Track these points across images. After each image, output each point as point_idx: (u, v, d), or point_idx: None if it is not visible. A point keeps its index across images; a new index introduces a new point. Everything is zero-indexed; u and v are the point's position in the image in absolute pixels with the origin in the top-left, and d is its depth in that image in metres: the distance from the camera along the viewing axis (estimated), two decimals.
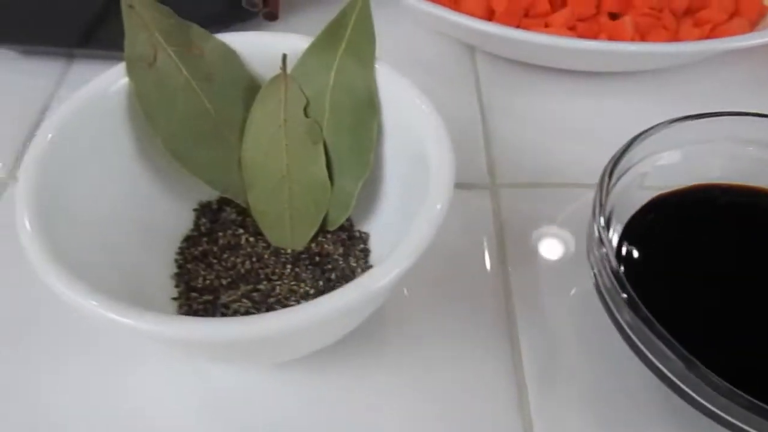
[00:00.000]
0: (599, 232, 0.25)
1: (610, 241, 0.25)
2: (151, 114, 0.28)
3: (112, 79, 0.27)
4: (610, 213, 0.27)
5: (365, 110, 0.28)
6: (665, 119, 0.29)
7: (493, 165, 0.37)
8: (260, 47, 0.30)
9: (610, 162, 0.27)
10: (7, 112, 0.40)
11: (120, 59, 0.43)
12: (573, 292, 0.31)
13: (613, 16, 0.41)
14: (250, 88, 0.30)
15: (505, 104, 0.41)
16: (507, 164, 0.37)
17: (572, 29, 0.40)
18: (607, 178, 0.26)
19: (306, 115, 0.29)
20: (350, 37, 0.28)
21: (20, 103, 0.40)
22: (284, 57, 0.29)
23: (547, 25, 0.40)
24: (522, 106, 0.41)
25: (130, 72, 0.27)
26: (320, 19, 0.28)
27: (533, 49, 0.38)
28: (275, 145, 0.29)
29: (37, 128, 0.38)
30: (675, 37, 0.40)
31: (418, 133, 0.26)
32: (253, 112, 0.29)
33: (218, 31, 0.29)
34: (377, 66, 0.28)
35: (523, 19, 0.40)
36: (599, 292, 0.25)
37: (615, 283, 0.23)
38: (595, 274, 0.26)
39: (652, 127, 0.28)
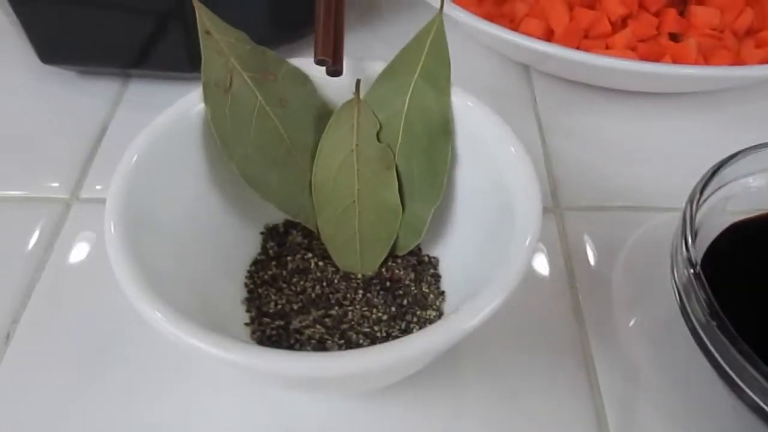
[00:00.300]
0: (689, 256, 0.24)
1: (698, 265, 0.24)
2: (225, 139, 0.28)
3: (190, 104, 0.27)
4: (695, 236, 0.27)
5: (439, 135, 0.28)
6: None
7: (556, 187, 0.37)
8: None
9: (698, 185, 0.26)
10: (66, 132, 0.40)
11: (174, 79, 0.44)
12: (648, 316, 0.31)
13: (673, 36, 0.41)
14: (322, 113, 0.30)
15: (564, 124, 0.40)
16: (570, 186, 0.37)
17: (633, 50, 0.39)
18: (695, 202, 0.26)
19: (378, 140, 0.29)
20: (425, 62, 0.28)
21: (79, 123, 0.41)
22: (358, 82, 0.29)
23: (607, 47, 0.40)
24: (581, 126, 0.40)
25: (207, 97, 0.27)
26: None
27: (597, 71, 0.37)
28: (347, 170, 0.29)
29: (98, 149, 0.39)
30: (737, 58, 0.39)
31: (497, 159, 0.26)
32: (326, 136, 0.29)
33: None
34: (452, 91, 0.28)
35: (583, 40, 0.40)
36: (686, 317, 0.25)
37: (707, 309, 0.23)
38: (681, 298, 0.25)
39: (739, 152, 0.27)
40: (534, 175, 0.24)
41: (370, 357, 0.19)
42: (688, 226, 0.25)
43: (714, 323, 0.23)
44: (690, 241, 0.25)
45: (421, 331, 0.21)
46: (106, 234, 0.23)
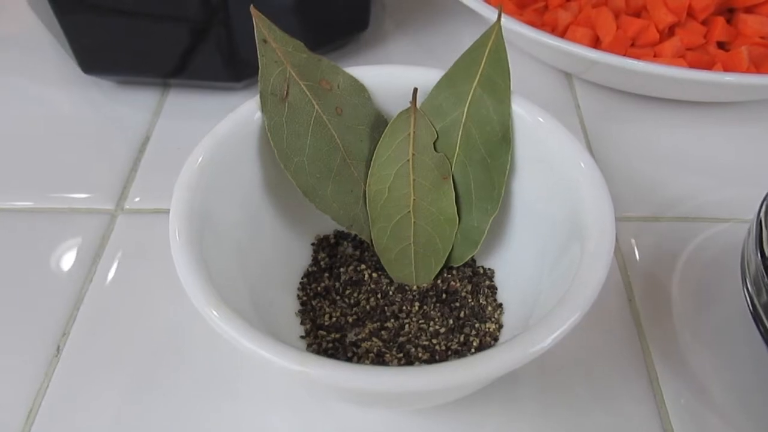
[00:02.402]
0: (765, 264, 0.24)
1: None
2: (281, 148, 0.27)
3: (250, 112, 0.27)
4: None
5: (498, 145, 0.28)
6: None
7: None
8: (389, 81, 0.29)
9: None
10: (108, 143, 0.40)
11: (213, 88, 0.43)
12: (710, 328, 0.30)
13: (720, 45, 0.40)
14: (378, 122, 0.29)
15: (609, 133, 0.40)
16: (620, 197, 0.36)
17: (681, 58, 0.39)
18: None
19: (435, 149, 0.28)
20: (484, 71, 0.28)
21: (120, 133, 0.40)
22: (415, 90, 0.28)
23: (655, 55, 0.39)
24: (627, 136, 0.40)
25: (264, 106, 0.27)
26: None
27: (649, 79, 0.37)
28: (402, 180, 0.29)
29: (141, 159, 0.38)
30: None
31: (564, 171, 0.26)
32: (381, 145, 0.29)
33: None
34: (513, 99, 0.27)
35: (630, 48, 0.40)
36: (759, 323, 0.24)
37: None
38: (754, 304, 0.25)
39: None
40: (605, 189, 0.24)
41: (455, 372, 0.19)
42: (763, 226, 0.24)
43: None
44: (765, 240, 0.24)
45: (496, 347, 0.20)
46: (171, 240, 0.22)
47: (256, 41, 0.27)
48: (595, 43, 0.40)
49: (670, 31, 0.40)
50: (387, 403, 0.24)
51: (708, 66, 0.38)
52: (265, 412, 0.27)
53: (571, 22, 0.41)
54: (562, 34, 0.41)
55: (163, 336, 0.30)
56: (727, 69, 0.38)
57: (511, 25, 0.38)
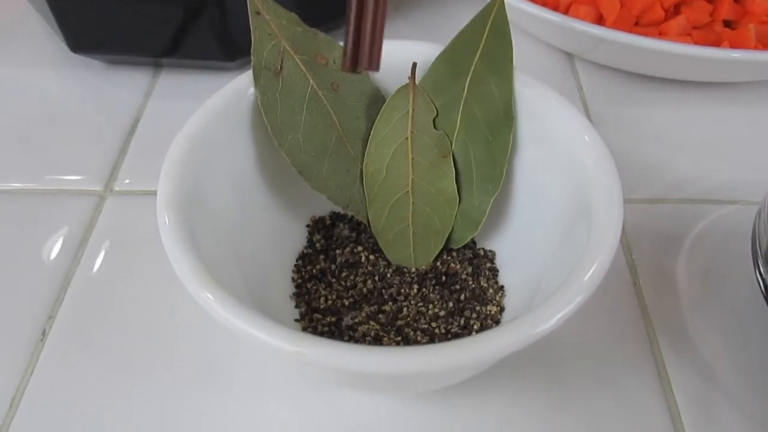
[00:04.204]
0: None
1: None
2: (275, 124, 0.26)
3: (243, 87, 0.26)
4: None
5: (501, 122, 0.27)
6: None
7: None
8: (387, 55, 0.28)
9: None
10: (97, 124, 0.39)
11: (206, 68, 0.42)
12: (718, 311, 0.29)
13: (726, 24, 0.39)
14: (375, 99, 0.28)
15: (612, 115, 0.39)
16: (624, 179, 0.35)
17: (687, 37, 0.38)
18: None
19: (435, 127, 0.27)
20: (485, 45, 0.27)
21: (111, 114, 0.39)
22: (414, 66, 0.27)
23: (660, 34, 0.38)
24: (630, 116, 0.39)
25: (257, 81, 0.26)
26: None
27: (656, 57, 0.36)
28: (400, 159, 0.28)
29: (131, 140, 0.37)
30: None
31: (569, 149, 0.25)
32: (378, 123, 0.28)
33: None
34: (516, 75, 0.26)
35: (634, 27, 0.39)
36: None
37: None
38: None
39: None
40: (613, 167, 0.23)
41: (456, 352, 0.18)
42: None
43: None
44: None
45: (499, 327, 0.19)
46: (159, 223, 0.21)
47: (249, 13, 0.26)
48: (599, 22, 0.39)
49: (676, 10, 0.39)
50: (386, 385, 0.23)
51: (715, 44, 0.37)
52: (259, 402, 0.26)
53: (574, 0, 0.40)
54: (565, 13, 0.40)
55: (152, 319, 0.29)
56: (734, 47, 0.37)
57: (513, 2, 0.37)
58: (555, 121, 0.25)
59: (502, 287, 0.28)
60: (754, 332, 0.28)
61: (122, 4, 0.38)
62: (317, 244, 0.30)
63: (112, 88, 0.41)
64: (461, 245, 0.29)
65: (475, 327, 0.26)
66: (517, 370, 0.28)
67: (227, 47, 0.40)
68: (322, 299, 0.28)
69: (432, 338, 0.26)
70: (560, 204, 0.25)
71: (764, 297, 0.24)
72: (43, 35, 0.45)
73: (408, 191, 0.28)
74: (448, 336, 0.26)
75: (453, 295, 0.28)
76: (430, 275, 0.28)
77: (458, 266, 0.29)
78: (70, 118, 0.39)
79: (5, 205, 0.34)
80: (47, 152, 0.37)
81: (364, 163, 0.28)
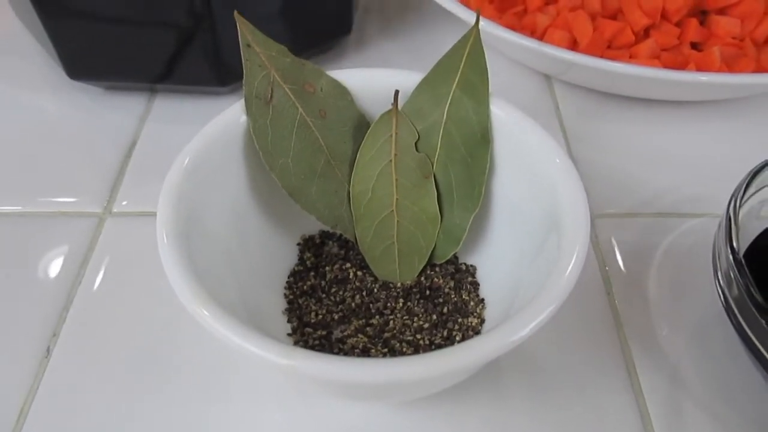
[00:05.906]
0: (734, 258, 0.25)
1: (744, 265, 0.25)
2: (267, 150, 0.28)
3: (235, 115, 0.27)
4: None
5: (478, 144, 0.29)
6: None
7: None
8: (371, 83, 0.30)
9: (737, 190, 0.27)
10: (95, 148, 0.40)
11: (200, 93, 0.44)
12: (686, 319, 0.31)
13: (694, 46, 0.42)
14: (360, 124, 0.30)
15: (588, 133, 0.41)
16: (598, 194, 0.37)
17: (657, 59, 0.40)
18: (738, 199, 0.26)
19: (417, 149, 0.29)
20: (463, 73, 0.28)
21: (107, 138, 0.41)
22: (396, 92, 0.29)
23: (631, 56, 0.40)
24: (605, 134, 0.41)
25: (248, 109, 0.28)
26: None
27: (626, 80, 0.38)
28: (385, 180, 0.30)
29: (128, 163, 0.39)
30: (759, 65, 0.40)
31: (541, 169, 0.26)
32: (364, 147, 0.30)
33: None
34: (492, 101, 0.28)
35: (606, 50, 0.41)
36: (731, 315, 0.25)
37: (755, 310, 0.23)
38: (725, 296, 0.26)
39: None
40: (580, 185, 0.25)
41: (439, 361, 0.19)
42: (733, 221, 0.25)
43: (764, 320, 0.23)
44: (734, 235, 0.25)
45: (478, 337, 0.21)
46: (159, 243, 0.23)
47: (240, 46, 0.28)
48: (573, 46, 0.41)
49: (645, 33, 0.41)
50: (374, 394, 0.24)
51: (682, 66, 0.39)
52: (255, 412, 0.28)
53: (549, 25, 0.42)
54: (541, 37, 0.42)
55: (152, 335, 0.30)
56: (700, 69, 0.39)
57: (490, 29, 0.39)
58: (528, 143, 0.27)
59: (482, 300, 0.30)
60: (719, 339, 0.30)
61: (118, 32, 0.39)
62: (308, 262, 0.32)
63: (109, 113, 0.43)
64: (444, 260, 0.30)
65: (457, 338, 0.28)
66: (500, 377, 0.29)
67: (219, 73, 0.42)
68: (313, 314, 0.29)
69: (417, 349, 0.28)
70: (534, 220, 0.27)
71: (723, 308, 0.26)
72: (39, 59, 0.46)
73: (393, 210, 0.30)
74: (432, 347, 0.28)
75: (436, 308, 0.29)
76: (414, 290, 0.30)
77: (441, 281, 0.30)
78: (69, 141, 0.40)
79: (6, 228, 0.35)
80: (47, 175, 0.38)
81: (351, 184, 0.30)
